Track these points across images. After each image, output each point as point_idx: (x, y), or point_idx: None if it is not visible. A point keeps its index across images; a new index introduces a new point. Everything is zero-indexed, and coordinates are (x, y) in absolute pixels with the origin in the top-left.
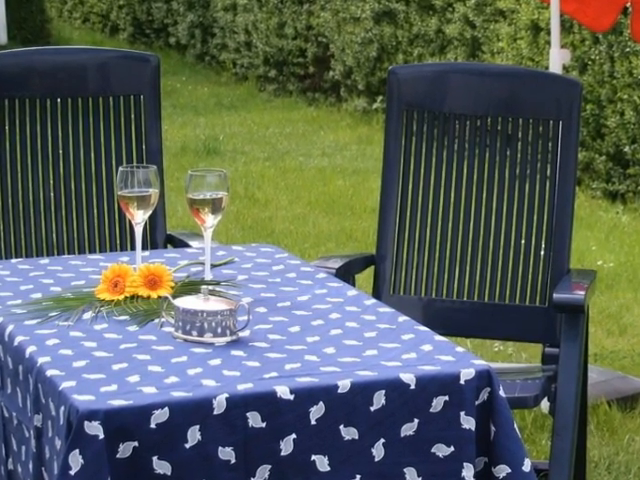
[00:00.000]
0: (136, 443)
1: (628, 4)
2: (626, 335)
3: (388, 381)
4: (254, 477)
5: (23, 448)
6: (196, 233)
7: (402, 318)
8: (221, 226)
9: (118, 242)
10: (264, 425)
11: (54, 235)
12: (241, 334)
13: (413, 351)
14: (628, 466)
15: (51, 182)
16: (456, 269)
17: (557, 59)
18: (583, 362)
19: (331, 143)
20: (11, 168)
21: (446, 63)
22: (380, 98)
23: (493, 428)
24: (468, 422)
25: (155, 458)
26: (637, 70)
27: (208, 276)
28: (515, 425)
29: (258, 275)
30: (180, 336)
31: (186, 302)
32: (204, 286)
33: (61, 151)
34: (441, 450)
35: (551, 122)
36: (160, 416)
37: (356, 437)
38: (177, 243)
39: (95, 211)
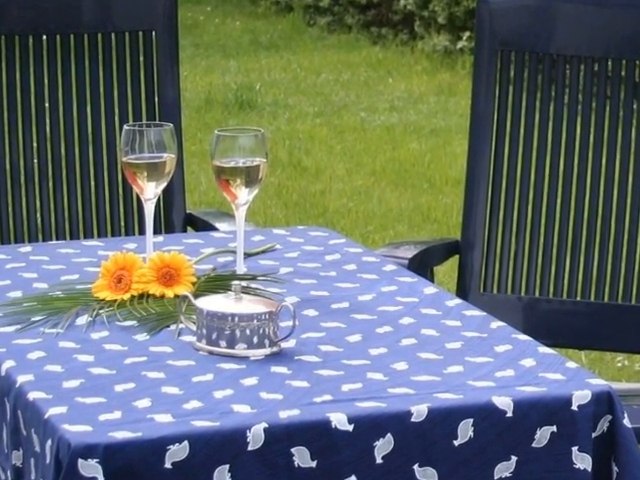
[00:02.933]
0: None
1: None
2: None
3: (477, 407)
4: None
5: None
6: (225, 212)
7: (496, 324)
8: (258, 203)
9: (122, 224)
10: (314, 464)
11: (38, 215)
12: (284, 345)
13: (510, 367)
14: None
15: (34, 145)
16: (566, 260)
17: None
18: None
19: (402, 94)
20: None
21: None
22: (467, 35)
23: (615, 468)
24: (582, 460)
25: None
26: None
27: (241, 268)
28: None
29: (307, 267)
30: (204, 347)
31: (212, 303)
32: (235, 282)
33: (47, 104)
34: None
35: None
36: (178, 453)
37: None
38: (200, 225)
39: (92, 183)
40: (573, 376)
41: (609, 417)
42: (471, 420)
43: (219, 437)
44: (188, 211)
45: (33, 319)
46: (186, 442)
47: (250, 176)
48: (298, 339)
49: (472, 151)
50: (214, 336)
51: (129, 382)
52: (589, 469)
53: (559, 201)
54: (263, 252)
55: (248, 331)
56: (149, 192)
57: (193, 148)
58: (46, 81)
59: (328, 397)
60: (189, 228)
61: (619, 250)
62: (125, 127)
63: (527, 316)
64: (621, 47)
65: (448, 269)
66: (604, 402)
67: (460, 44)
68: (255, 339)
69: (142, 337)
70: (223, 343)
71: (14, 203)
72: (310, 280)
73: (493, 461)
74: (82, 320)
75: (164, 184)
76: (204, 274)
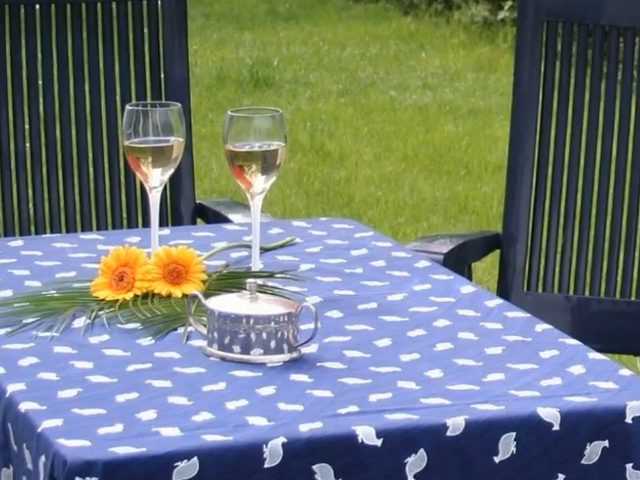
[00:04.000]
0: None
1: None
2: None
3: (520, 419)
4: None
5: None
6: (239, 202)
7: (541, 327)
8: (276, 191)
9: (124, 215)
10: None
11: (30, 205)
12: (305, 350)
13: (557, 375)
14: None
15: (26, 127)
16: (620, 255)
17: None
18: None
19: (437, 70)
20: None
21: None
22: (508, 4)
23: None
24: (638, 479)
25: None
26: None
27: (256, 265)
28: None
29: (330, 263)
30: (216, 353)
31: (224, 303)
32: (251, 279)
33: (41, 82)
34: None
35: None
36: (186, 470)
37: None
38: (211, 217)
39: (91, 170)
40: (627, 385)
41: None
42: (513, 434)
43: (232, 453)
44: (198, 201)
45: (25, 321)
46: (195, 458)
47: (267, 162)
48: (320, 344)
49: (514, 134)
50: (227, 340)
51: (132, 391)
52: None
53: (611, 190)
54: (281, 246)
55: (265, 335)
56: (154, 180)
57: (203, 131)
58: (39, 56)
59: (354, 408)
60: (199, 220)
61: None
62: (127, 107)
63: (576, 318)
64: None
65: (488, 265)
66: None
67: (501, 14)
68: (272, 344)
69: (146, 341)
70: (237, 348)
71: (3, 191)
72: (334, 278)
73: (538, 479)
74: (79, 322)
75: (171, 171)
76: (216, 271)
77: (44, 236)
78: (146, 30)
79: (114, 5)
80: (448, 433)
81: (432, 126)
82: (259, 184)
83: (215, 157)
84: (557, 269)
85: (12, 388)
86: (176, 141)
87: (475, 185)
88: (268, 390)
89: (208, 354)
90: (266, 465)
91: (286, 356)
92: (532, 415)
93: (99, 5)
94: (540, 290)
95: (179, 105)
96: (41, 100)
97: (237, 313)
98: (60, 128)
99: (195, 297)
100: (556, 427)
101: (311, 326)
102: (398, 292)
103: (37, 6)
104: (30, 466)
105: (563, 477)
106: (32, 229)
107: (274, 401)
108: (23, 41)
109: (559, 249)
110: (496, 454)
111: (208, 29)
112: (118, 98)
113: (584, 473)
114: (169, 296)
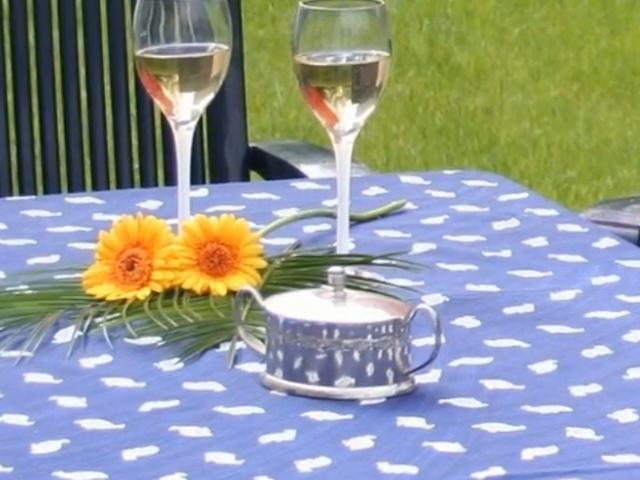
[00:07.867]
0: None
1: None
2: None
3: None
4: None
5: None
6: (316, 145)
7: None
8: (375, 129)
9: (136, 166)
10: None
11: None
12: (421, 379)
13: None
14: None
15: None
16: None
17: None
18: None
19: None
20: None
21: None
22: None
23: None
24: None
25: None
26: None
27: (344, 244)
28: None
29: (460, 242)
30: (280, 383)
31: (293, 305)
32: (335, 268)
33: None
34: None
35: None
36: None
37: None
38: (273, 168)
39: (83, 95)
40: None
41: None
42: None
43: None
44: (252, 144)
45: None
46: None
47: (360, 82)
48: (445, 369)
49: None
50: (297, 363)
51: (148, 444)
52: None
53: None
54: (384, 215)
55: (357, 355)
56: (184, 111)
57: (261, 33)
58: None
59: (498, 470)
60: (253, 173)
61: None
62: None
63: None
64: None
65: None
66: None
67: None
68: (369, 369)
69: (171, 365)
70: (313, 376)
71: None
72: (466, 265)
73: None
74: (65, 335)
75: (210, 96)
76: (280, 255)
77: (10, 199)
78: None
79: None
80: None
81: (621, 26)
82: (348, 118)
83: (279, 75)
84: None
85: None
86: (217, 49)
87: None
88: (363, 442)
89: (268, 385)
90: None
91: (391, 388)
92: None
93: None
94: None
95: None
96: None
97: (314, 321)
98: (35, 30)
99: (248, 295)
100: None
101: (431, 341)
102: (567, 288)
103: None
104: None
105: None
106: None
107: (372, 459)
108: None
109: None
110: None
111: None
112: None
113: None
114: (206, 294)
